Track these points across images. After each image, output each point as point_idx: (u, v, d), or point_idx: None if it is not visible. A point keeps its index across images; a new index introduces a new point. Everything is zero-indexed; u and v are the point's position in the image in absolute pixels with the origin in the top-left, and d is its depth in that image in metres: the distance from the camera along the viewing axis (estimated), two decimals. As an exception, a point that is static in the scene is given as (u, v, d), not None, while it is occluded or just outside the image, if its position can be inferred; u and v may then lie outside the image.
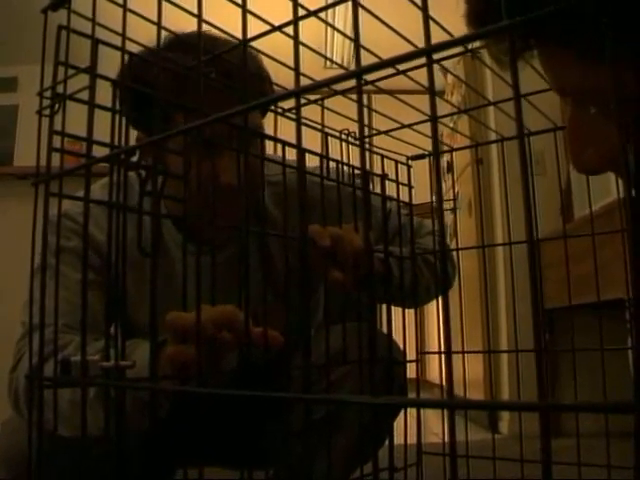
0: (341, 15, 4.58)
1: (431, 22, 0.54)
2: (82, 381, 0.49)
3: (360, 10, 0.65)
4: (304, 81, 0.93)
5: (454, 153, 3.26)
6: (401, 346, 1.06)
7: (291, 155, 0.72)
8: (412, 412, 1.05)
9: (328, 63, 5.39)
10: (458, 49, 0.74)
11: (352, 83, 0.36)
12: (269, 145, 1.11)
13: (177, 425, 0.70)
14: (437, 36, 0.56)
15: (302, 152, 0.76)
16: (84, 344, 0.53)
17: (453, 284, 1.29)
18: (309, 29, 0.57)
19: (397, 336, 1.03)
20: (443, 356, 1.34)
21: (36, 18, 0.57)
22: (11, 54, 4.77)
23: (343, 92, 0.68)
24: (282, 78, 0.89)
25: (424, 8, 0.30)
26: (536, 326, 0.25)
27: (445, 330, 0.36)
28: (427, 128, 0.93)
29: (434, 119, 0.32)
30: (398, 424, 1.11)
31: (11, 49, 4.70)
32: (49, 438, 0.58)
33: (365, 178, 0.37)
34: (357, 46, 0.32)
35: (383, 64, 0.30)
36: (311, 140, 0.89)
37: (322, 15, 0.61)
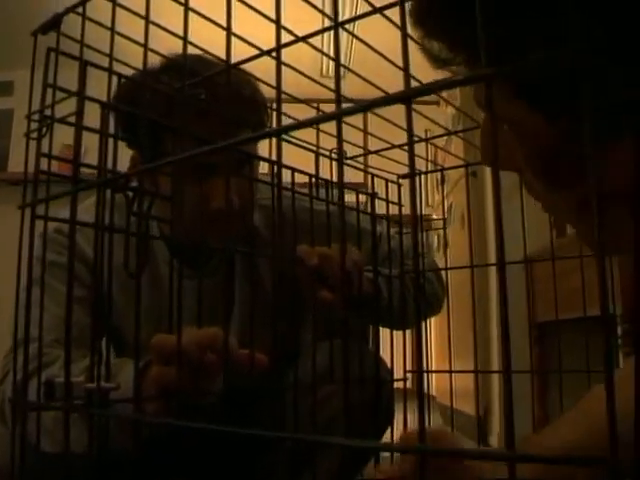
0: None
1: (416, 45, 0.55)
2: (65, 406, 0.49)
3: (355, 13, 0.66)
4: (304, 89, 0.94)
5: (448, 161, 3.27)
6: (396, 363, 1.06)
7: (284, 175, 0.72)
8: (399, 424, 1.05)
9: (324, 71, 5.42)
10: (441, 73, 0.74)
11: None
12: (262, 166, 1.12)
13: (161, 445, 0.70)
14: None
15: (292, 171, 0.76)
16: (68, 365, 0.53)
17: (443, 305, 1.29)
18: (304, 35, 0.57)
19: (385, 353, 1.03)
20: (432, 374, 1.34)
21: (33, 23, 0.57)
22: (7, 58, 4.77)
23: (333, 117, 0.68)
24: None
25: (404, 52, 0.31)
26: (506, 377, 0.25)
27: (417, 359, 0.37)
28: (417, 147, 0.94)
29: (411, 160, 0.32)
30: (385, 437, 1.11)
31: (7, 53, 4.70)
32: (33, 453, 0.58)
33: (343, 209, 0.37)
34: (337, 87, 0.33)
35: (362, 108, 0.30)
36: (301, 159, 0.89)
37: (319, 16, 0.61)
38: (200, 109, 0.84)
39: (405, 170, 1.01)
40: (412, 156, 0.33)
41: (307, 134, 0.88)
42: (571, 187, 0.47)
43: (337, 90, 0.33)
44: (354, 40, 4.17)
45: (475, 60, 0.49)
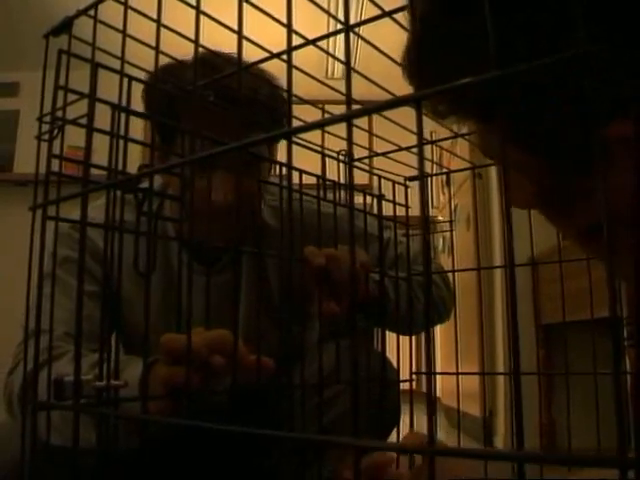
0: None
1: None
2: (74, 407, 0.49)
3: (361, 15, 0.66)
4: (309, 90, 0.94)
5: (453, 163, 3.27)
6: (403, 364, 1.06)
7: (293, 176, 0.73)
8: (406, 422, 1.06)
9: (330, 73, 5.42)
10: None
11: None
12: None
13: (168, 444, 0.70)
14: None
15: (299, 172, 0.76)
16: (78, 366, 0.53)
17: (451, 312, 1.29)
18: (312, 37, 0.57)
19: (392, 354, 1.03)
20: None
21: (38, 24, 0.58)
22: (13, 59, 4.79)
23: (343, 119, 0.68)
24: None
25: (417, 57, 0.31)
26: (516, 388, 0.25)
27: (427, 362, 0.37)
28: (424, 149, 0.94)
29: (422, 173, 0.33)
30: (391, 438, 1.11)
31: (13, 54, 4.72)
32: (42, 450, 0.59)
33: (352, 209, 0.38)
34: (348, 90, 0.33)
35: (372, 110, 0.31)
36: (306, 160, 0.90)
37: (322, 17, 0.62)
38: (209, 110, 0.84)
39: (410, 171, 1.02)
40: (421, 159, 0.33)
41: (312, 135, 0.89)
42: (570, 216, 0.52)
43: (347, 93, 0.33)
44: (360, 42, 4.17)
45: (464, 112, 0.54)
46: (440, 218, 4.30)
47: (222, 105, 0.81)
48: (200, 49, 0.56)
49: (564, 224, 0.55)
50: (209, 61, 0.88)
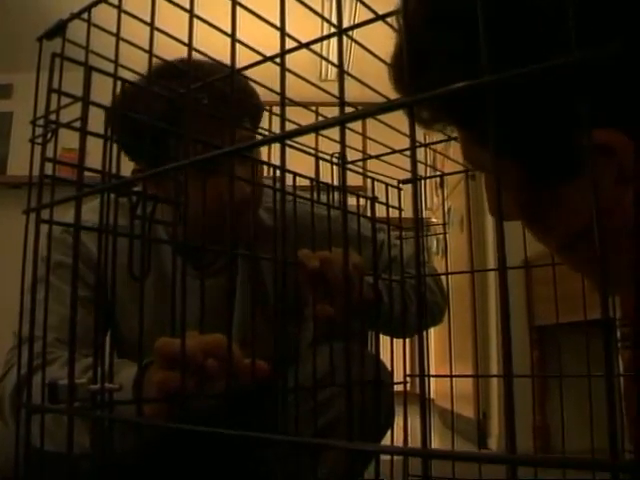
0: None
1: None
2: (68, 410, 0.49)
3: (354, 18, 0.66)
4: (302, 92, 0.94)
5: (447, 166, 3.27)
6: (396, 366, 1.06)
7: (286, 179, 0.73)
8: (399, 424, 1.06)
9: (323, 75, 5.42)
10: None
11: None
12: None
13: (162, 447, 0.70)
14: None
15: (293, 175, 0.76)
16: (72, 369, 0.53)
17: (444, 315, 1.29)
18: (305, 39, 0.57)
19: (385, 356, 1.03)
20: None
21: (33, 26, 0.58)
22: (6, 61, 4.77)
23: (336, 123, 0.68)
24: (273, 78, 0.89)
25: (405, 59, 0.31)
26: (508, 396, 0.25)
27: (420, 365, 0.37)
28: (417, 151, 0.94)
29: (414, 176, 0.33)
30: (385, 440, 1.11)
31: (6, 56, 4.70)
32: (35, 454, 0.58)
33: (346, 210, 0.38)
34: (341, 94, 0.33)
35: (365, 114, 0.31)
36: (300, 162, 0.90)
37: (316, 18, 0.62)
38: (203, 113, 0.84)
39: (403, 174, 1.02)
40: (414, 162, 0.33)
41: (305, 138, 0.89)
42: (550, 229, 0.53)
43: (341, 97, 0.33)
44: (352, 44, 4.17)
45: (447, 120, 0.55)
46: (434, 220, 4.30)
47: (216, 108, 0.81)
48: (186, 54, 0.56)
49: (545, 238, 0.55)
50: (197, 65, 0.88)
